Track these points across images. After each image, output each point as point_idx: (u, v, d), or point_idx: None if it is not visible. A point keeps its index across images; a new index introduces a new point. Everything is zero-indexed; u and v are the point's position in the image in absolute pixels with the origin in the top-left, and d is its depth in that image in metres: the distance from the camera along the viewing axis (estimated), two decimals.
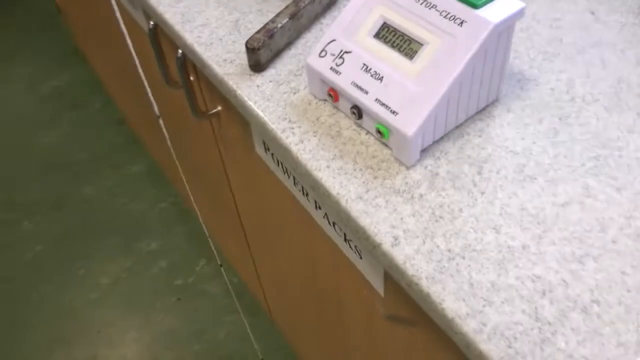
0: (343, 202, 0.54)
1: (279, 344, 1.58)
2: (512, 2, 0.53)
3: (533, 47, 0.67)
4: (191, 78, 0.92)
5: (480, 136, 0.58)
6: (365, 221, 0.52)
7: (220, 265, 1.75)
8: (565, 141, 0.57)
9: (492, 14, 0.52)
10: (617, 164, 0.55)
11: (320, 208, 0.70)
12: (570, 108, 0.60)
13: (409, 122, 0.53)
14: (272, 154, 0.75)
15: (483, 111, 0.60)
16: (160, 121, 1.13)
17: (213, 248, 1.73)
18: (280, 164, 0.74)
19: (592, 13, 0.70)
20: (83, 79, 2.39)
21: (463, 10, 0.53)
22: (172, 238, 1.86)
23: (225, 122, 0.90)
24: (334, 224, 0.68)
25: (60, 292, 1.74)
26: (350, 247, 0.67)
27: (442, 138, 0.58)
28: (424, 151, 0.57)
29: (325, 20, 0.72)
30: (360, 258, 0.66)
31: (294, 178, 0.72)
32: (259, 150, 0.80)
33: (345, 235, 0.67)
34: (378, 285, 0.66)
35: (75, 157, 2.12)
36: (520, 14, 0.54)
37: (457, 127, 0.58)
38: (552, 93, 0.61)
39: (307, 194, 0.71)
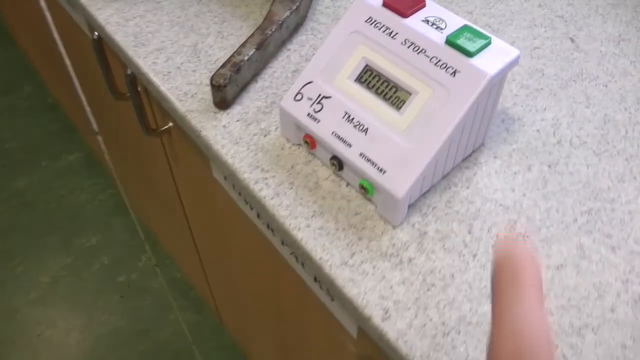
0: (327, 268, 0.50)
1: (226, 342, 1.53)
2: (507, 49, 0.50)
3: (514, 80, 0.63)
4: (139, 88, 0.85)
5: (468, 187, 0.54)
6: (352, 291, 0.48)
7: (156, 265, 1.69)
8: (556, 193, 0.54)
9: (487, 64, 0.48)
10: (610, 218, 0.52)
11: (287, 244, 0.65)
12: (558, 153, 0.57)
13: (398, 183, 0.48)
14: (234, 184, 0.70)
15: (469, 157, 0.56)
16: (99, 137, 1.04)
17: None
18: (242, 194, 0.69)
19: (572, 40, 0.68)
20: (11, 62, 2.23)
21: (456, 59, 0.48)
22: (112, 232, 1.77)
23: (177, 141, 0.84)
24: (303, 263, 0.64)
25: None
26: (321, 287, 0.63)
27: (428, 190, 0.54)
28: (411, 206, 0.53)
29: (292, 46, 0.66)
30: (332, 300, 0.62)
31: (258, 212, 0.67)
32: (217, 175, 0.74)
33: (315, 276, 0.63)
34: (351, 327, 0.62)
35: (7, 146, 1.98)
36: (515, 62, 0.50)
37: (443, 176, 0.55)
38: (539, 135, 0.58)
39: (273, 230, 0.67)
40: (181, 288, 1.64)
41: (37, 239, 1.76)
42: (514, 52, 0.49)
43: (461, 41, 0.49)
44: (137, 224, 1.75)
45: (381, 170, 0.49)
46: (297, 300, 0.77)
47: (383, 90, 0.51)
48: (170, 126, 0.84)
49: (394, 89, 0.51)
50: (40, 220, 1.80)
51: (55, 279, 1.68)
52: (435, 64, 0.49)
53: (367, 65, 0.52)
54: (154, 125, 0.86)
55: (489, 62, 0.48)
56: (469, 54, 0.48)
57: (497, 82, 0.50)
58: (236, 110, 0.60)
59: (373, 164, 0.50)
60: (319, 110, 0.53)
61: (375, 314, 0.47)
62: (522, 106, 0.61)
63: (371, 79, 0.52)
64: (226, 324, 1.46)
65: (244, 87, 0.61)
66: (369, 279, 0.49)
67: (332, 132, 0.52)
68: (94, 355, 1.54)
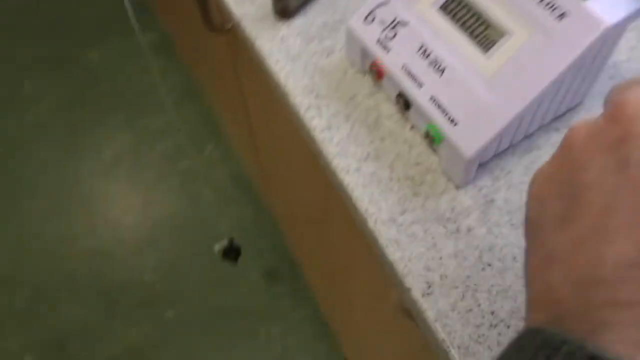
0: (371, 223, 0.43)
1: (280, 243, 1.51)
2: None
3: (635, 29, 0.53)
4: None
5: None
6: (394, 255, 0.42)
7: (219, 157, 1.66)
8: None
9: (605, 10, 0.38)
10: None
11: (333, 185, 0.59)
12: None
13: (470, 139, 0.41)
14: None
15: (561, 117, 0.47)
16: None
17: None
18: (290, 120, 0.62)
19: None
20: None
21: None
22: (180, 117, 1.74)
23: (243, 43, 0.77)
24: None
25: (62, 160, 1.66)
26: None
27: (505, 150, 0.46)
28: (481, 165, 0.45)
29: None
30: None
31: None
32: None
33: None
34: None
35: (82, 17, 1.95)
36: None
37: (526, 136, 0.46)
38: None
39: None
40: (242, 183, 1.61)
41: (103, 115, 1.75)
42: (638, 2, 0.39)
43: None
44: (206, 112, 1.70)
45: (452, 120, 0.41)
46: (347, 230, 0.71)
47: (471, 25, 0.42)
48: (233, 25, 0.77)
49: (484, 26, 0.42)
50: (108, 96, 1.79)
51: (117, 157, 1.68)
52: (540, 1, 0.40)
53: None
54: (219, 21, 0.79)
55: (608, 7, 0.38)
56: None
57: (614, 35, 0.40)
58: (298, 22, 0.52)
59: (444, 111, 0.42)
60: (392, 38, 0.45)
61: (416, 286, 0.41)
62: (638, 63, 0.50)
63: (459, 9, 0.43)
64: (281, 225, 1.43)
65: None
66: (417, 243, 0.42)
67: (403, 66, 0.44)
68: (148, 237, 1.55)
